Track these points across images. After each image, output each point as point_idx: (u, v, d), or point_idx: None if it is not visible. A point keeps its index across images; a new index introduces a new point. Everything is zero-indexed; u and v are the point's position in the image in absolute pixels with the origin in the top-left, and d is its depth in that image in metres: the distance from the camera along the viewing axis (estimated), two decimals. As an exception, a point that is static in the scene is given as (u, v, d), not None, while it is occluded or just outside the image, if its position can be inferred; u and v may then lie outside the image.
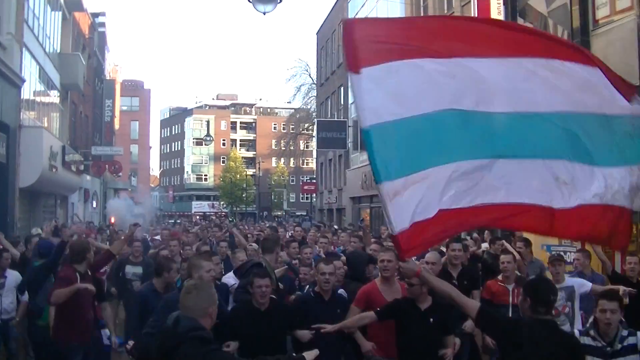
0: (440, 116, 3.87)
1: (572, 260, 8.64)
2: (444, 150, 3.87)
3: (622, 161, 4.10)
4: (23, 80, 16.82)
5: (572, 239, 8.22)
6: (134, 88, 64.84)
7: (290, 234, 13.57)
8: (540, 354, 3.58)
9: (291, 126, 54.74)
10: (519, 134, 4.01)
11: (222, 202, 71.53)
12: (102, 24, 35.33)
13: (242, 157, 75.47)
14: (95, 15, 32.86)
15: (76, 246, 6.74)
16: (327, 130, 28.85)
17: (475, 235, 11.27)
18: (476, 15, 13.70)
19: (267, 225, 22.34)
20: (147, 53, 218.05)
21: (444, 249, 7.69)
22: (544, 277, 5.53)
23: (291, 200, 72.48)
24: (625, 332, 4.80)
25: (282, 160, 71.52)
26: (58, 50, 23.53)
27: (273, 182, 67.01)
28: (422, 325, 4.89)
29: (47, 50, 21.23)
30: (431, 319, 4.94)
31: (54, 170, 19.59)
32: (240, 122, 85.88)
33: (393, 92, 3.84)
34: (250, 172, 72.17)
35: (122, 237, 8.12)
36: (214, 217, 46.63)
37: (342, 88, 31.32)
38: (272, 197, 70.84)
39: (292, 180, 74.16)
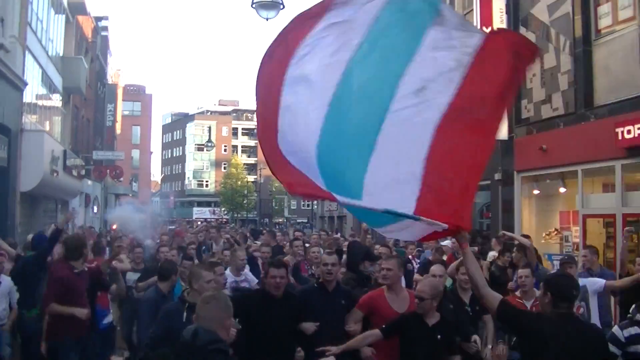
0: (329, 125, 3.65)
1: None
2: (360, 140, 3.66)
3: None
4: (25, 84, 16.73)
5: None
6: (136, 93, 64.96)
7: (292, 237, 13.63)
8: (568, 348, 3.43)
9: (293, 133, 54.71)
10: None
11: (223, 209, 71.46)
12: (105, 28, 35.39)
13: (244, 164, 75.37)
14: (98, 19, 32.85)
15: (72, 242, 6.52)
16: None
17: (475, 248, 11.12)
18: (479, 24, 13.52)
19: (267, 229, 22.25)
20: (149, 58, 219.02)
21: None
22: (565, 273, 5.45)
23: (292, 208, 72.42)
24: None
25: (284, 167, 71.39)
26: (61, 54, 23.45)
27: (274, 189, 66.89)
28: (429, 342, 4.78)
29: (49, 53, 21.07)
30: (439, 336, 4.83)
31: (55, 174, 19.43)
32: (242, 128, 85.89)
33: (293, 152, 3.65)
34: (251, 178, 72.05)
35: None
36: (214, 224, 46.50)
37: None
38: (273, 204, 70.77)
39: (293, 187, 74.02)
